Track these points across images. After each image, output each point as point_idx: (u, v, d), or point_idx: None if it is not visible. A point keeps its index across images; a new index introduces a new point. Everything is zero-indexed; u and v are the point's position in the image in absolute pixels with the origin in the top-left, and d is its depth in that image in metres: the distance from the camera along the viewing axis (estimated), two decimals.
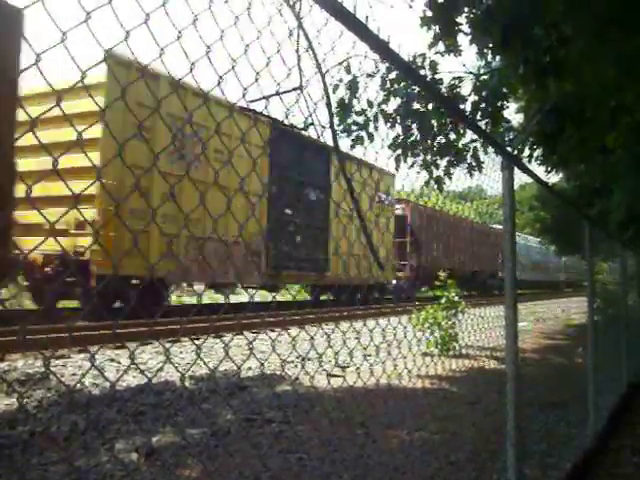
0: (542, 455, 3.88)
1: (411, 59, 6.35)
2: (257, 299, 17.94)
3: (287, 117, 1.88)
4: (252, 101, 2.25)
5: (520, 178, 3.39)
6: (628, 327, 6.96)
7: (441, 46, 5.85)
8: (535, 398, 5.26)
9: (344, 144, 7.26)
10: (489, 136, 4.26)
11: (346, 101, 6.41)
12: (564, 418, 4.96)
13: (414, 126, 6.67)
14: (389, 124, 6.66)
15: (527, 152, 8.03)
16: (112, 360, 6.84)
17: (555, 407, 5.32)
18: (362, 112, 6.56)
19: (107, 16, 1.40)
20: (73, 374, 6.02)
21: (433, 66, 6.37)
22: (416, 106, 6.49)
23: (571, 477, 3.49)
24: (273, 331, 10.39)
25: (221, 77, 1.47)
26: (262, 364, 2.23)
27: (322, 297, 18.79)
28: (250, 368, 6.63)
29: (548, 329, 14.02)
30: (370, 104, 6.60)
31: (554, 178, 15.17)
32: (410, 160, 6.98)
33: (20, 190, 4.84)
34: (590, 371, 4.72)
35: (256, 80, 1.62)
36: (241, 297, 18.35)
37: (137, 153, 9.10)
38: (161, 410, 4.79)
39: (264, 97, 1.85)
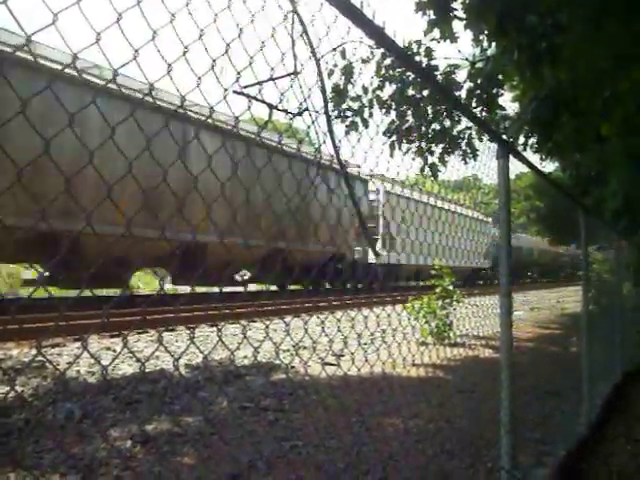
0: (536, 443, 3.90)
1: (406, 45, 6.30)
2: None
3: (281, 102, 1.86)
4: (246, 86, 2.23)
5: (516, 167, 3.38)
6: (623, 316, 6.98)
7: (436, 32, 5.81)
8: (530, 387, 5.28)
9: (338, 130, 7.22)
10: (484, 123, 4.25)
11: (341, 87, 6.37)
12: (559, 407, 4.98)
13: (409, 112, 6.64)
14: (384, 110, 6.63)
15: (522, 140, 8.02)
16: (108, 349, 6.81)
17: (550, 395, 5.34)
18: (357, 98, 6.52)
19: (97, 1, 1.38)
20: (68, 362, 6.01)
21: (428, 53, 6.33)
22: (411, 92, 6.46)
23: (565, 465, 3.51)
24: (268, 319, 10.40)
25: (214, 61, 1.45)
26: (256, 350, 2.22)
27: None
28: (246, 357, 6.64)
29: (543, 318, 14.10)
30: (365, 90, 6.55)
31: (549, 167, 15.15)
32: (405, 147, 6.96)
33: None
34: (585, 360, 4.74)
35: (250, 64, 1.60)
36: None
37: None
38: (157, 398, 4.79)
39: (258, 82, 1.83)
